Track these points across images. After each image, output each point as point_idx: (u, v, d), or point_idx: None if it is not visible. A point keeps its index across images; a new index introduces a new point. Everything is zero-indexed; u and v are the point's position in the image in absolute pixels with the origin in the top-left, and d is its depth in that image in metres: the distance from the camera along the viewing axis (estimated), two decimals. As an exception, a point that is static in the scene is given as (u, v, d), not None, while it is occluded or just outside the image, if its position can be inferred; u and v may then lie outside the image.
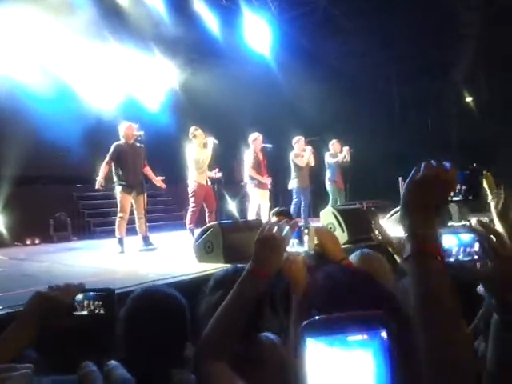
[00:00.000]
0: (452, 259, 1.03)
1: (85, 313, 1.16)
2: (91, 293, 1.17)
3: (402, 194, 0.92)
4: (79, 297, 1.16)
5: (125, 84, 9.63)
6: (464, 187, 0.99)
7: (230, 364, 1.09)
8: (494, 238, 1.01)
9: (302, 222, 6.65)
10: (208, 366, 1.09)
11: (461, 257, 1.03)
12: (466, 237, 1.03)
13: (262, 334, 1.44)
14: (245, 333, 1.16)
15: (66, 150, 9.09)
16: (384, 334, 0.55)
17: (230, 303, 1.16)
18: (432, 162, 0.90)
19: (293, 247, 1.38)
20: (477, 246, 1.02)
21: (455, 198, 1.00)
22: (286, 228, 1.23)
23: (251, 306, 1.15)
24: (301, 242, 1.40)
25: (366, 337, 0.55)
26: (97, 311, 1.16)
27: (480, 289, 1.65)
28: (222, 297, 1.28)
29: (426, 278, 0.83)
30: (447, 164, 0.90)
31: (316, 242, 1.42)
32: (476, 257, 1.02)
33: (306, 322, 0.57)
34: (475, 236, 1.02)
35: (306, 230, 1.40)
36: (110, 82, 9.32)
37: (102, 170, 5.93)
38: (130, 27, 8.96)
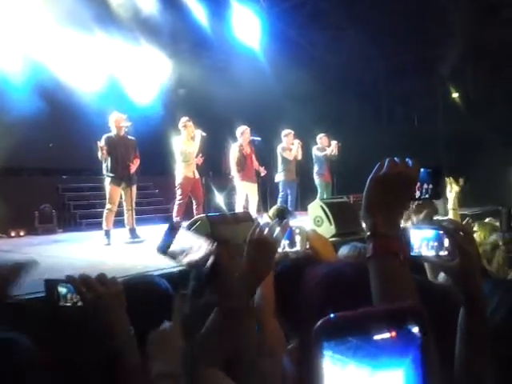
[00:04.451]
0: (414, 253, 1.04)
1: (68, 305, 1.21)
2: (71, 285, 1.21)
3: (364, 192, 0.89)
4: (63, 290, 1.21)
5: (112, 75, 9.50)
6: (431, 186, 0.99)
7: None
8: (461, 235, 1.01)
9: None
10: (201, 370, 1.08)
11: (423, 251, 1.04)
12: (429, 232, 1.04)
13: None
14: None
15: (52, 141, 8.97)
16: (416, 330, 0.46)
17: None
18: (395, 158, 0.89)
19: (284, 248, 1.36)
20: (447, 242, 1.02)
21: (422, 197, 0.99)
22: (277, 229, 1.19)
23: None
24: (292, 243, 1.39)
25: (394, 334, 0.45)
26: (78, 304, 1.20)
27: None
28: (207, 302, 1.26)
29: (389, 278, 0.81)
30: (410, 161, 0.89)
31: (307, 246, 1.40)
32: (442, 252, 1.02)
33: (320, 322, 0.45)
34: (444, 232, 1.02)
35: (298, 230, 1.38)
36: (97, 73, 9.20)
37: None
38: (116, 17, 8.82)
